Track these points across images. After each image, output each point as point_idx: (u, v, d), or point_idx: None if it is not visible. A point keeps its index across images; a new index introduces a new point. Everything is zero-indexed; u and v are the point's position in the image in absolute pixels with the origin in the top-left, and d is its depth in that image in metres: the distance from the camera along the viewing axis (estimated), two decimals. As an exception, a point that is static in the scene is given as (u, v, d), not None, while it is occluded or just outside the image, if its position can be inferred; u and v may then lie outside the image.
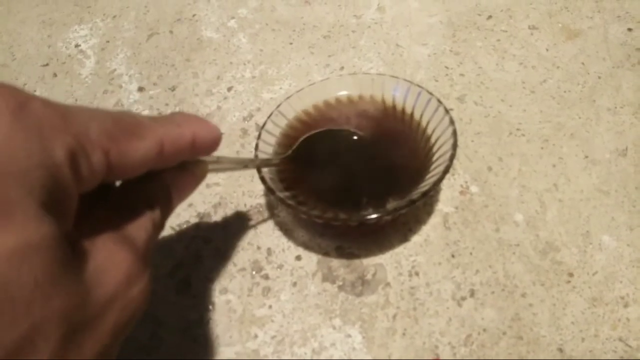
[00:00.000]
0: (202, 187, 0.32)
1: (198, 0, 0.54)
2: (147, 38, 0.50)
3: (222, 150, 0.39)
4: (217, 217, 0.35)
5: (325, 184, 0.32)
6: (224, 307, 0.31)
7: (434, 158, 0.31)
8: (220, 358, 0.29)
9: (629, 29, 0.45)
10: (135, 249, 0.19)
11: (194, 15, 0.52)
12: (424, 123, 0.34)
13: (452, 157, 0.29)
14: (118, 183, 0.21)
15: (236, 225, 0.35)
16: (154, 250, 0.21)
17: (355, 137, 0.34)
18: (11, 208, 0.14)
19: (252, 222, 0.35)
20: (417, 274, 0.31)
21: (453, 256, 0.32)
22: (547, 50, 0.44)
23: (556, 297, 0.29)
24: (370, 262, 0.32)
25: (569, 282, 0.30)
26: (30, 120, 0.15)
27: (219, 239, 0.34)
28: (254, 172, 0.31)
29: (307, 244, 0.33)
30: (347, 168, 0.33)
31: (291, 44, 0.47)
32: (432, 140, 0.32)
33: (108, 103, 0.44)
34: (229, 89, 0.44)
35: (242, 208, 0.35)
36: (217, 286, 0.32)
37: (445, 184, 0.35)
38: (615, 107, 0.39)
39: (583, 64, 0.42)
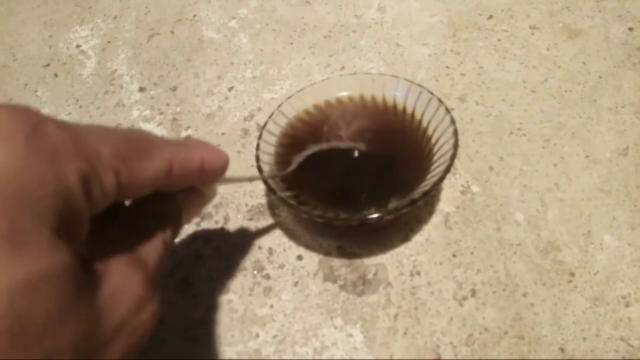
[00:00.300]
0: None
1: (199, 0, 0.54)
2: (148, 38, 0.50)
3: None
4: (218, 217, 0.35)
5: (326, 184, 0.32)
6: (225, 306, 0.31)
7: (435, 158, 0.31)
8: (222, 358, 0.29)
9: (630, 29, 0.45)
10: (146, 272, 0.19)
11: (194, 16, 0.52)
12: (424, 123, 0.34)
13: (453, 157, 0.30)
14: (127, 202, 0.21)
15: (237, 225, 0.35)
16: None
17: (357, 151, 0.34)
18: (24, 238, 0.14)
19: (253, 222, 0.35)
20: (418, 273, 0.31)
21: (454, 256, 0.32)
22: (548, 49, 0.44)
23: (557, 297, 0.29)
24: (371, 262, 0.32)
25: (570, 281, 0.30)
26: (44, 145, 0.15)
27: (220, 238, 0.34)
28: (255, 170, 0.31)
29: (308, 244, 0.33)
30: (349, 168, 0.33)
31: (292, 44, 0.47)
32: (433, 140, 0.32)
33: (109, 103, 0.45)
34: (230, 89, 0.44)
35: (243, 208, 0.35)
36: (218, 286, 0.32)
37: (446, 183, 0.35)
38: (616, 107, 0.39)
39: (584, 63, 0.42)
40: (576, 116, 0.39)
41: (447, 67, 0.43)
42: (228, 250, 0.33)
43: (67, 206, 0.15)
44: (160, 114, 0.43)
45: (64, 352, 0.14)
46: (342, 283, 0.31)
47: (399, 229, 0.33)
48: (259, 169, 0.31)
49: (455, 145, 0.30)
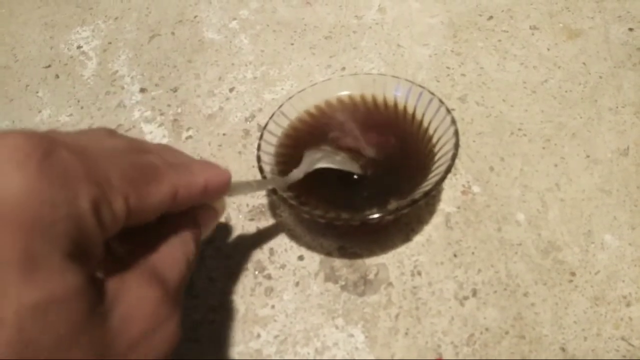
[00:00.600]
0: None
1: (199, 1, 0.54)
2: (149, 39, 0.50)
3: (225, 150, 0.40)
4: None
5: (327, 184, 0.32)
6: (227, 307, 0.31)
7: (436, 158, 0.32)
8: (223, 358, 0.29)
9: (630, 29, 0.45)
10: (165, 289, 0.19)
11: (195, 17, 0.52)
12: (425, 123, 0.34)
13: (453, 157, 0.30)
14: None
15: (238, 226, 0.35)
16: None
17: (359, 153, 0.34)
18: (35, 262, 0.14)
19: (254, 223, 0.35)
20: (419, 273, 0.31)
21: (455, 256, 0.32)
22: (548, 50, 0.44)
23: (558, 297, 0.30)
24: (372, 262, 0.32)
25: (571, 281, 0.30)
26: (56, 170, 0.15)
27: (221, 239, 0.34)
28: (256, 171, 0.31)
29: (309, 244, 0.33)
30: (350, 168, 0.33)
31: (292, 44, 0.47)
32: (434, 140, 0.33)
33: (110, 104, 0.45)
34: (231, 90, 0.44)
35: (244, 208, 0.35)
36: (220, 286, 0.32)
37: (447, 184, 0.35)
38: (617, 107, 0.39)
39: (584, 63, 0.43)
40: (577, 116, 0.39)
41: (448, 68, 0.43)
42: (229, 250, 0.33)
43: (79, 230, 0.15)
44: (162, 114, 0.43)
45: None
46: (343, 283, 0.31)
47: (400, 229, 0.33)
48: (260, 169, 0.31)
49: (456, 146, 0.30)
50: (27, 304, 0.13)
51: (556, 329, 0.28)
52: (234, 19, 0.51)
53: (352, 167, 0.33)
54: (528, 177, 0.35)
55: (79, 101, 0.46)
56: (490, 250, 0.32)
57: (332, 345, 0.29)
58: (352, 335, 0.29)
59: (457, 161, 0.32)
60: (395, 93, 0.36)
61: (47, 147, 0.15)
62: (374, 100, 0.36)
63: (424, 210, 0.34)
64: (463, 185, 0.35)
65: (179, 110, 0.43)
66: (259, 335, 0.30)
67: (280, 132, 0.35)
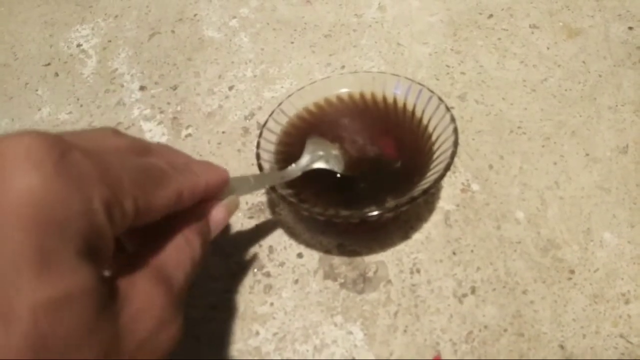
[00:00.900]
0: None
1: (199, 0, 0.54)
2: (149, 37, 0.50)
3: (224, 149, 0.40)
4: (218, 215, 0.35)
5: (327, 182, 0.32)
6: (226, 304, 0.31)
7: (435, 156, 0.32)
8: (222, 355, 0.29)
9: (630, 28, 0.45)
10: (171, 292, 0.19)
11: (195, 15, 0.52)
12: (425, 121, 0.34)
13: (453, 155, 0.30)
14: None
15: (238, 223, 0.35)
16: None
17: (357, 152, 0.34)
18: (49, 259, 0.14)
19: (253, 220, 0.35)
20: (418, 271, 0.31)
21: (454, 253, 0.32)
22: (548, 48, 0.44)
23: (557, 294, 0.30)
24: (371, 260, 0.32)
25: (570, 279, 0.30)
26: (71, 171, 0.15)
27: (221, 237, 0.34)
28: (255, 169, 0.31)
29: (308, 242, 0.33)
30: (349, 166, 0.33)
31: (292, 43, 0.47)
32: (433, 138, 0.33)
33: (110, 102, 0.45)
34: (231, 88, 0.44)
35: (243, 206, 0.35)
36: (219, 284, 0.32)
37: (446, 182, 0.35)
38: (616, 105, 0.39)
39: (584, 62, 0.43)
40: (576, 115, 0.39)
41: (448, 66, 0.43)
42: (228, 248, 0.33)
43: (91, 229, 0.16)
44: (161, 112, 0.43)
45: None
46: (342, 281, 0.31)
47: (399, 226, 0.33)
48: (260, 166, 0.31)
49: (455, 143, 0.30)
50: (41, 300, 0.14)
51: (555, 327, 0.28)
52: (234, 17, 0.51)
53: (350, 168, 0.33)
54: (527, 175, 0.35)
55: (78, 99, 0.46)
56: (490, 248, 0.32)
57: (331, 343, 0.29)
58: (351, 333, 0.29)
59: (456, 159, 0.33)
60: (394, 91, 0.36)
61: (63, 148, 0.16)
62: (374, 98, 0.36)
63: (423, 208, 0.34)
64: (462, 183, 0.35)
65: (179, 108, 0.43)
66: (257, 333, 0.30)
67: (279, 130, 0.35)
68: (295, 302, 0.31)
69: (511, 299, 0.30)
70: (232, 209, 0.25)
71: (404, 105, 0.35)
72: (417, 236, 0.33)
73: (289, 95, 0.36)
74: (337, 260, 0.32)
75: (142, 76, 0.46)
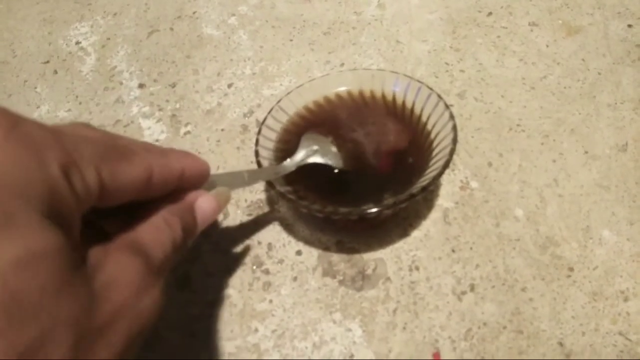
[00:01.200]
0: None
1: (198, -3, 0.54)
2: (148, 35, 0.50)
3: (223, 146, 0.40)
4: (217, 212, 0.35)
5: (325, 179, 0.32)
6: (225, 301, 0.31)
7: (434, 153, 0.32)
8: (221, 352, 0.29)
9: (629, 25, 0.45)
10: (148, 262, 0.19)
11: (194, 13, 0.52)
12: (424, 118, 0.34)
13: (452, 152, 0.30)
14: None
15: (236, 221, 0.35)
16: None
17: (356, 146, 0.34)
18: (12, 218, 0.14)
19: (252, 217, 0.35)
20: (417, 268, 0.31)
21: (453, 251, 0.32)
22: (547, 46, 0.44)
23: (556, 292, 0.30)
24: (370, 257, 0.32)
25: (569, 276, 0.30)
26: (24, 138, 0.16)
27: (219, 234, 0.34)
28: (254, 166, 0.31)
29: (307, 239, 0.33)
30: (348, 163, 0.33)
31: (291, 40, 0.47)
32: (432, 135, 0.32)
33: (108, 100, 0.45)
34: (229, 86, 0.44)
35: (242, 203, 0.35)
36: (217, 281, 0.32)
37: (445, 179, 0.35)
38: (616, 103, 0.39)
39: (583, 60, 0.42)
40: (575, 112, 0.39)
41: (447, 64, 0.43)
42: (227, 245, 0.33)
43: (51, 192, 0.15)
44: (160, 110, 0.43)
45: (62, 328, 0.14)
46: (341, 278, 0.31)
47: (398, 224, 0.33)
48: (258, 164, 0.31)
49: (454, 141, 0.30)
50: (8, 259, 0.14)
51: (554, 324, 0.28)
52: (233, 14, 0.51)
53: (348, 164, 0.33)
54: (526, 173, 0.35)
55: (77, 97, 0.45)
56: (489, 246, 0.32)
57: (329, 340, 0.29)
58: (349, 330, 0.29)
59: (455, 156, 0.32)
60: (393, 88, 0.35)
61: (14, 119, 0.16)
62: (373, 95, 0.36)
63: (422, 205, 0.34)
64: (461, 181, 0.35)
65: (178, 105, 0.43)
66: (256, 330, 0.29)
67: (278, 127, 0.35)
68: (294, 299, 0.31)
69: (510, 297, 0.30)
70: (222, 201, 0.25)
71: (403, 102, 0.35)
72: (416, 233, 0.33)
73: (288, 93, 0.36)
74: (336, 257, 0.32)
75: (141, 74, 0.46)
